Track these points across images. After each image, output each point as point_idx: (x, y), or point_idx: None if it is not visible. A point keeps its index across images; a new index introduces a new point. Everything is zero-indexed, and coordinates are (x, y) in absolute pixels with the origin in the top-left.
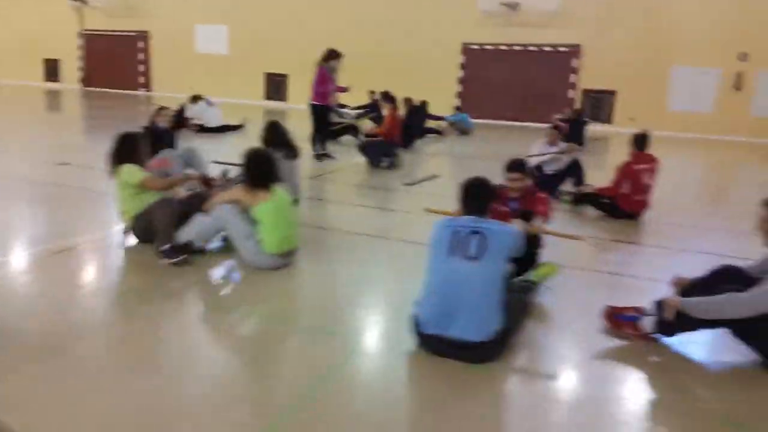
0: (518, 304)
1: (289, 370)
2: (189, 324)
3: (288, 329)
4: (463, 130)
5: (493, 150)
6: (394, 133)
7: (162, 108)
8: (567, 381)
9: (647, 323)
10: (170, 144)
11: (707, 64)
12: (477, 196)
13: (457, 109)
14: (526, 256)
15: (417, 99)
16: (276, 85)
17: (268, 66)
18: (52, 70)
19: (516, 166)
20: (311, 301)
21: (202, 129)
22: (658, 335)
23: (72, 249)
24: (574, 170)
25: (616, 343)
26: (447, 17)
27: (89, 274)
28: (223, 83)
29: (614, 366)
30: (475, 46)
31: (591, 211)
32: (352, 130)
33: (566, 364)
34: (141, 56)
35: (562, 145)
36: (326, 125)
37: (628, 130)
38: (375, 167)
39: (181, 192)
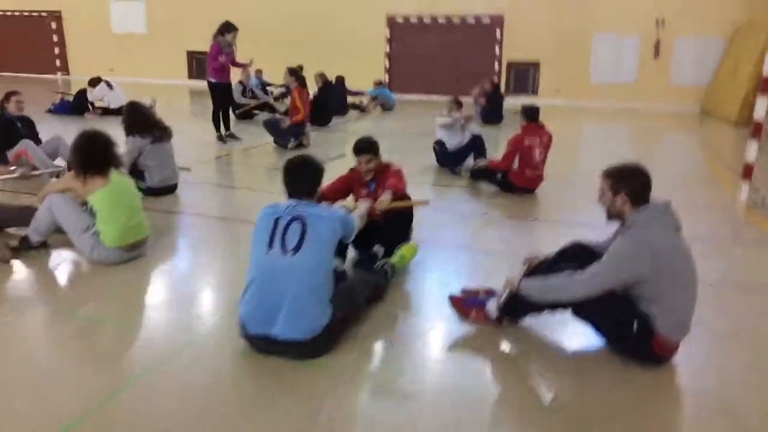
0: (363, 289)
1: (102, 368)
2: None
3: (104, 328)
4: (386, 106)
5: (415, 125)
6: (302, 111)
7: (14, 93)
8: (398, 374)
9: (492, 307)
10: (30, 133)
11: (628, 31)
12: (298, 178)
13: (378, 84)
14: (398, 234)
15: (334, 74)
16: (200, 63)
17: (189, 44)
18: None
19: (363, 147)
20: (140, 298)
21: (106, 111)
22: (508, 319)
23: None
24: (476, 145)
25: (466, 329)
26: None
27: None
28: (143, 63)
29: (454, 356)
30: (400, 19)
31: (488, 186)
32: (267, 108)
33: (404, 355)
34: (55, 38)
35: (456, 115)
36: (226, 103)
37: (554, 102)
38: (283, 147)
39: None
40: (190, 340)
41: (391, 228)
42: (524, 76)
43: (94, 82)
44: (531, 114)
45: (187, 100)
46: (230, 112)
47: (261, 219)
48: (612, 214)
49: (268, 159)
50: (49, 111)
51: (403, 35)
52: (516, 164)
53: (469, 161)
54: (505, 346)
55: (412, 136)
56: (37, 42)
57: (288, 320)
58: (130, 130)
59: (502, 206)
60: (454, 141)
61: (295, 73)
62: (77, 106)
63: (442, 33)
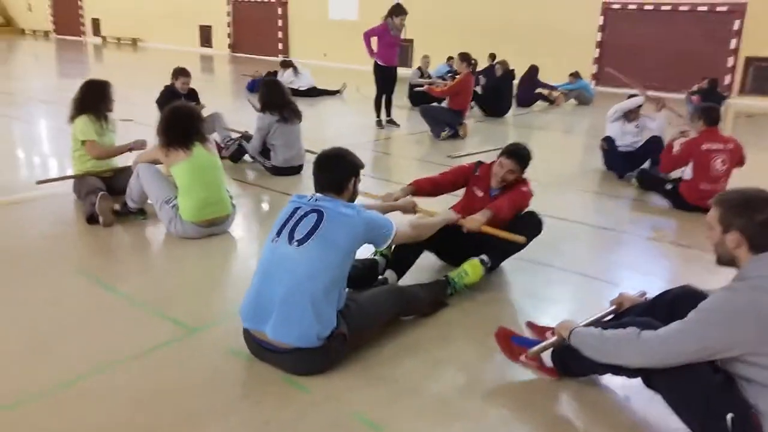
0: (391, 303)
1: (88, 347)
2: None
3: (126, 304)
4: (582, 99)
5: (603, 123)
6: (463, 99)
7: (183, 74)
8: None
9: (548, 353)
10: (193, 101)
11: None
12: (327, 170)
13: (575, 75)
14: (492, 252)
15: (539, 65)
16: (403, 51)
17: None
18: (206, 36)
19: (513, 153)
20: (184, 277)
21: (294, 93)
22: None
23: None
24: (654, 148)
25: (508, 374)
26: None
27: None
28: (353, 49)
29: (477, 408)
30: (617, 6)
31: (659, 200)
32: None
33: (410, 395)
34: (280, 23)
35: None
36: (389, 88)
37: None
38: (436, 137)
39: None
40: (192, 331)
41: (487, 244)
42: (766, 75)
43: (286, 64)
44: (711, 116)
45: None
46: (392, 96)
47: (287, 205)
48: (723, 259)
49: (416, 149)
50: (248, 89)
51: (619, 23)
52: (689, 174)
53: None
54: (555, 410)
55: (590, 134)
56: (266, 26)
57: (278, 319)
58: (263, 107)
59: (659, 225)
60: (626, 140)
61: (467, 59)
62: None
63: (666, 22)
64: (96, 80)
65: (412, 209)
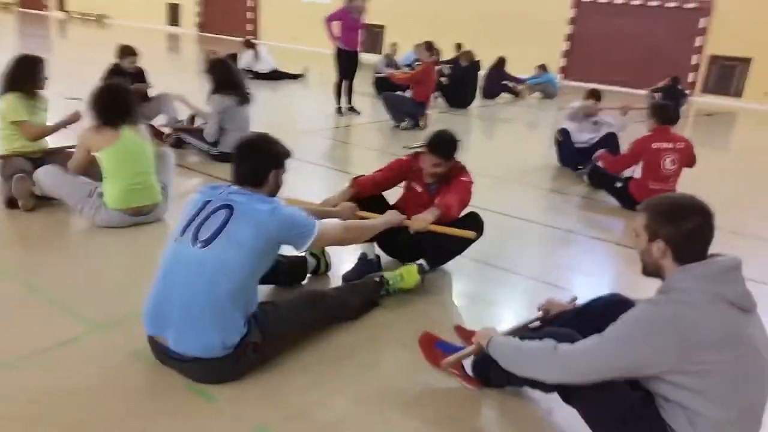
0: (308, 308)
1: None
2: None
3: (32, 296)
4: (547, 93)
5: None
6: (425, 89)
7: (130, 53)
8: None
9: (468, 362)
10: (140, 81)
11: None
12: (245, 160)
13: (542, 68)
14: (440, 254)
15: (508, 56)
16: (373, 37)
17: (369, 17)
18: (173, 14)
19: (434, 145)
20: (102, 270)
21: (256, 76)
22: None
23: None
24: (608, 143)
25: (432, 382)
26: None
27: None
28: (324, 32)
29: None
30: None
31: (608, 199)
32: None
33: (318, 408)
34: (250, 3)
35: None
36: (350, 73)
37: (763, 107)
38: (396, 126)
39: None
40: (97, 329)
41: (432, 243)
42: (729, 74)
43: (249, 44)
44: (664, 114)
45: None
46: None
47: (192, 198)
48: (648, 268)
49: (375, 139)
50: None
51: (589, 16)
52: (638, 172)
53: None
54: (474, 423)
55: (552, 128)
56: (236, 6)
57: (179, 327)
58: (217, 88)
59: (603, 225)
60: (582, 136)
61: (430, 48)
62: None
63: (635, 16)
64: (28, 55)
65: (351, 215)
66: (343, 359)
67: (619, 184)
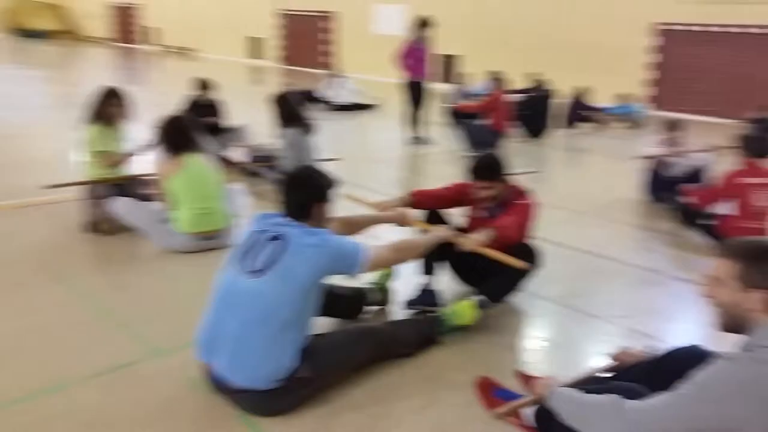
0: (363, 346)
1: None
2: None
3: (98, 318)
4: (633, 123)
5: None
6: (499, 118)
7: (199, 84)
8: None
9: (529, 412)
10: (214, 113)
11: None
12: (291, 193)
13: (623, 97)
14: (501, 284)
15: (589, 84)
16: (448, 66)
17: (443, 47)
18: (256, 47)
19: (478, 170)
20: (170, 295)
21: (334, 107)
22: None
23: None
24: (698, 176)
25: (488, 430)
26: None
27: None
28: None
29: None
30: (678, 26)
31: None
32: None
33: None
34: (327, 36)
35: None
36: (421, 102)
37: None
38: (465, 155)
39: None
40: (155, 354)
41: (492, 270)
42: None
43: (335, 75)
44: (753, 147)
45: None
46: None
47: (248, 228)
48: (731, 323)
49: (442, 168)
50: None
51: (677, 45)
52: (728, 209)
53: None
54: None
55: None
56: (313, 39)
57: (231, 355)
58: (288, 121)
59: (691, 266)
60: (671, 168)
61: (498, 78)
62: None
63: (730, 44)
64: (111, 88)
65: (403, 221)
66: (396, 400)
67: (709, 222)
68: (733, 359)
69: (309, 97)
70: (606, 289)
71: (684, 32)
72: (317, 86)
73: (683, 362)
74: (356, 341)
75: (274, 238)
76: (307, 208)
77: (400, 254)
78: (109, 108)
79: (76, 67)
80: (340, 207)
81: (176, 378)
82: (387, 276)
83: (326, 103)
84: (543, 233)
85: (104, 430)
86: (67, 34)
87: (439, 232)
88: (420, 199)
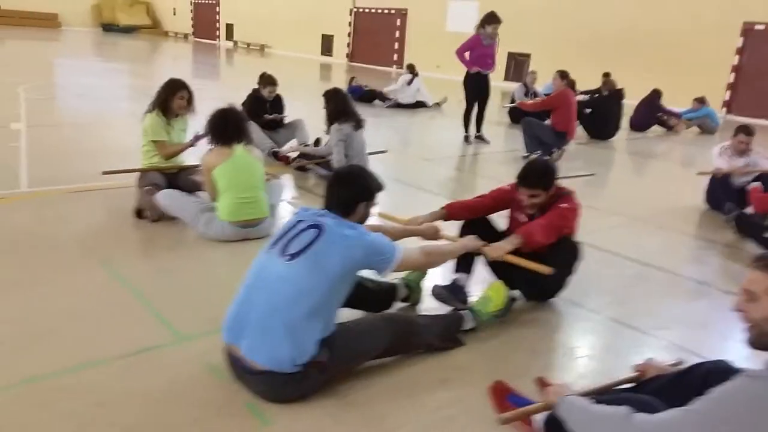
0: (382, 336)
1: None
2: None
3: (133, 301)
4: (705, 128)
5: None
6: (564, 119)
7: (271, 83)
8: None
9: (541, 417)
10: (276, 112)
11: None
12: (338, 188)
13: (700, 101)
14: (542, 284)
15: (663, 86)
16: (518, 65)
17: (512, 45)
18: (327, 44)
19: (526, 177)
20: (204, 281)
21: (397, 105)
22: None
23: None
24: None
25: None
26: None
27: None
28: None
29: None
30: (761, 26)
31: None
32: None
33: None
34: (397, 33)
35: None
36: (482, 98)
37: None
38: (525, 156)
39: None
40: (180, 339)
41: (530, 277)
42: None
43: (412, 69)
44: None
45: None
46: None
47: (290, 218)
48: (760, 338)
49: (498, 169)
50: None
51: (761, 46)
52: None
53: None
54: None
55: (701, 165)
56: (384, 37)
57: (254, 335)
58: (336, 117)
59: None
60: (734, 179)
61: (564, 75)
62: (368, 94)
63: None
64: (176, 79)
65: (434, 235)
66: (408, 398)
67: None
68: (754, 377)
69: (374, 95)
70: (649, 299)
71: (764, 32)
72: (385, 84)
73: (706, 377)
74: (376, 330)
75: (312, 226)
76: (352, 205)
77: (429, 258)
78: (172, 99)
79: (155, 61)
80: (372, 220)
81: (195, 364)
82: (421, 275)
83: (389, 100)
84: (592, 238)
85: (112, 409)
86: (151, 29)
87: (467, 242)
88: (453, 212)
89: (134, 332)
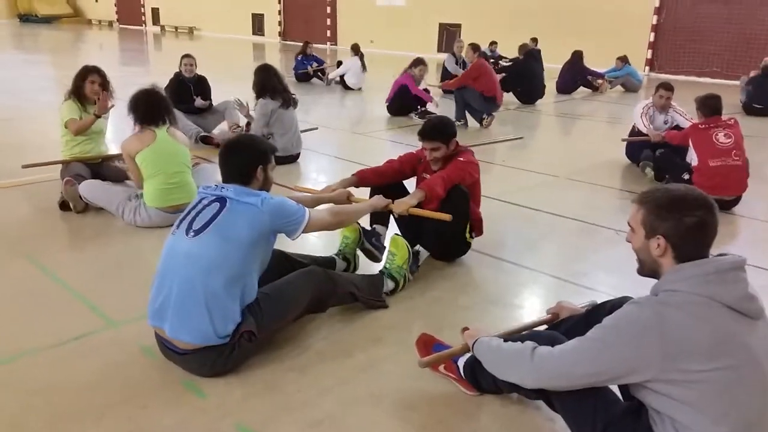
0: (300, 294)
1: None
2: None
3: (60, 291)
4: (628, 86)
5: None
6: (488, 85)
7: (185, 56)
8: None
9: (463, 361)
10: (202, 94)
11: None
12: (231, 159)
13: (623, 60)
14: (444, 236)
15: (587, 48)
16: (450, 36)
17: (443, 16)
18: (258, 24)
19: (427, 131)
20: (132, 268)
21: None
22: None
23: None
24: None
25: (428, 386)
26: None
27: None
28: (400, 35)
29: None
30: None
31: None
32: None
33: (308, 408)
34: (328, 10)
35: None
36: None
37: None
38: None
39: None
40: (111, 325)
41: (433, 227)
42: None
43: (357, 49)
44: (708, 106)
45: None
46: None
47: (193, 200)
48: (645, 267)
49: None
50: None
51: (676, 5)
52: (695, 158)
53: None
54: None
55: (627, 123)
56: (315, 13)
57: (175, 316)
58: (262, 92)
59: None
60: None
61: (476, 48)
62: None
63: (727, 3)
64: (89, 66)
65: (345, 200)
66: (340, 358)
67: (686, 176)
68: (639, 303)
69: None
70: (564, 249)
71: None
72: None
73: (611, 312)
74: (297, 285)
75: (214, 200)
76: (248, 171)
77: (337, 217)
78: (83, 85)
79: (78, 51)
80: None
81: (128, 347)
82: (354, 244)
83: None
84: (516, 197)
85: (49, 396)
86: (72, 18)
87: (373, 201)
88: (364, 177)
89: (65, 321)
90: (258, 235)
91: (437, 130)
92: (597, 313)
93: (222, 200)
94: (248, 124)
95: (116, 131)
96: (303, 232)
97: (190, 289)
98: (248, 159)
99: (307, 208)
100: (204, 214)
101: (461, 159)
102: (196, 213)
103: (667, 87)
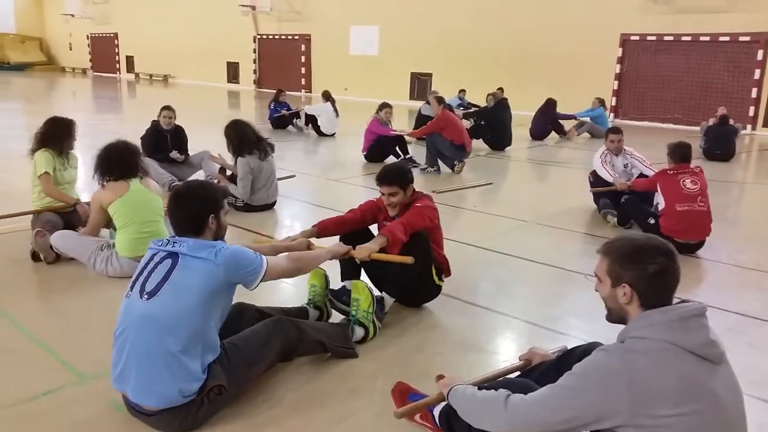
0: (267, 346)
1: None
2: None
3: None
4: (596, 133)
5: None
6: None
7: (165, 108)
8: None
9: (438, 410)
10: (179, 145)
11: None
12: (180, 210)
13: (600, 102)
14: (406, 282)
15: (556, 96)
16: (422, 85)
17: (414, 66)
18: (233, 72)
19: (385, 176)
20: (106, 321)
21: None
22: None
23: None
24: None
25: None
26: (603, 4)
27: None
28: (374, 83)
29: None
30: (636, 37)
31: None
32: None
33: None
34: (303, 59)
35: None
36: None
37: None
38: (423, 170)
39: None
40: (82, 379)
41: (397, 271)
42: None
43: (327, 96)
44: (678, 153)
45: (405, 120)
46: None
47: (145, 255)
48: (614, 315)
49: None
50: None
51: (638, 55)
52: (662, 201)
53: None
54: None
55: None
56: (290, 62)
57: (136, 381)
58: (239, 149)
59: None
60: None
61: (441, 100)
62: (283, 120)
63: (687, 53)
64: (60, 118)
65: (305, 249)
66: (315, 410)
67: (652, 221)
68: (607, 350)
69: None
70: (536, 293)
71: (641, 42)
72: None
73: (581, 358)
74: (264, 335)
75: (166, 256)
76: (200, 221)
77: (297, 264)
78: (56, 136)
79: (51, 98)
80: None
81: (99, 402)
82: (323, 293)
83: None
84: (488, 243)
85: None
86: (46, 66)
87: (333, 248)
88: (324, 228)
89: (34, 377)
90: (214, 290)
91: (394, 175)
92: (567, 359)
93: (174, 256)
94: (222, 169)
95: (87, 179)
96: (262, 281)
97: (148, 354)
98: (199, 209)
99: (264, 256)
100: (157, 272)
101: (418, 205)
102: (148, 273)
103: (616, 131)
